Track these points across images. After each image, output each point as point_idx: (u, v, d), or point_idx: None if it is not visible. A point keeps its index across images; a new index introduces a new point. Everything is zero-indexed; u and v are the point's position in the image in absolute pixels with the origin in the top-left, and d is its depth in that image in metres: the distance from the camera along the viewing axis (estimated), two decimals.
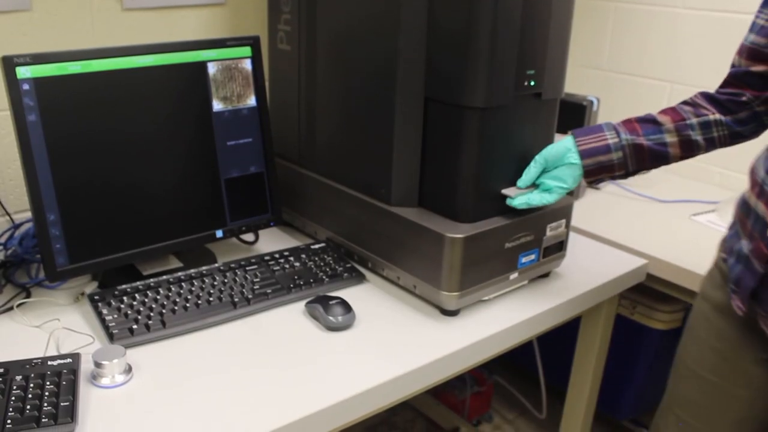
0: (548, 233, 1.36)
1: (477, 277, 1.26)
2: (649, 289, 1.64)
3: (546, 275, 1.44)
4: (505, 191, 1.28)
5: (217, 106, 1.37)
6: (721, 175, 2.00)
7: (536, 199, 1.27)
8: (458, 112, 1.21)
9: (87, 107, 1.22)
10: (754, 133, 1.25)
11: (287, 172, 1.57)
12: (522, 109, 1.26)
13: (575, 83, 2.27)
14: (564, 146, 1.25)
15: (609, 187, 1.96)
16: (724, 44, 1.93)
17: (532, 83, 1.24)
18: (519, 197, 1.28)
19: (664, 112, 1.25)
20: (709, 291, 1.26)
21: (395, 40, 1.23)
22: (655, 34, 2.09)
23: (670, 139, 1.23)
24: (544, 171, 1.28)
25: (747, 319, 1.17)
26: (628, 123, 1.25)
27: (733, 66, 1.22)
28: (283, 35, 1.52)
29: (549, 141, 1.33)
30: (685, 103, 1.27)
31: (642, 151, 1.23)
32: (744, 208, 1.16)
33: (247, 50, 1.40)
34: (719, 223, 1.74)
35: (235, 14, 1.70)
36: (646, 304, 1.81)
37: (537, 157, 1.27)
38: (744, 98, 1.20)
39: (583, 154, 1.23)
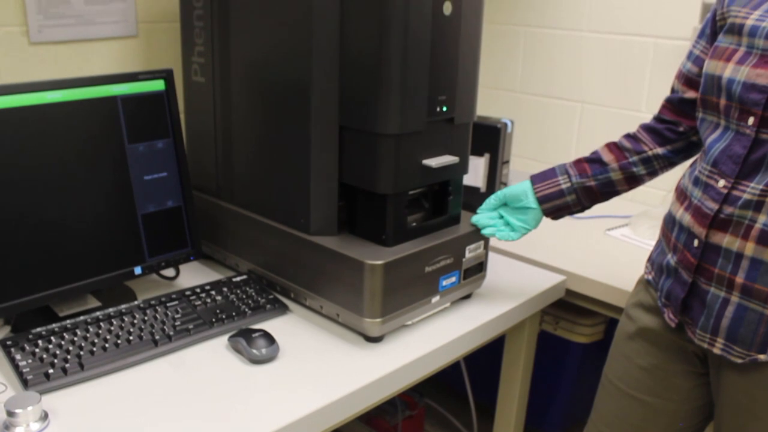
0: (467, 255, 1.38)
1: (399, 303, 1.27)
2: (570, 304, 1.69)
3: (468, 296, 1.47)
4: (426, 161, 1.28)
5: (130, 140, 1.35)
6: (632, 190, 2.08)
7: (503, 233, 1.37)
8: (372, 139, 1.22)
9: None
10: (689, 158, 1.33)
11: (206, 205, 1.55)
12: (435, 134, 1.28)
13: (489, 106, 2.32)
14: (521, 189, 1.37)
15: None
16: (628, 65, 2.02)
17: (444, 108, 1.27)
18: (488, 227, 1.38)
19: (609, 149, 1.34)
20: (633, 311, 1.30)
21: (308, 71, 1.24)
22: (564, 57, 2.16)
23: (615, 177, 1.33)
24: (504, 205, 1.39)
25: (672, 335, 1.21)
26: (578, 164, 1.35)
27: (672, 90, 1.30)
28: (197, 67, 1.51)
29: (464, 163, 1.37)
30: (627, 137, 1.35)
31: (591, 190, 1.34)
32: (669, 223, 1.22)
33: (160, 83, 1.38)
34: (633, 236, 1.81)
35: (148, 47, 1.68)
36: (568, 319, 1.86)
37: (498, 192, 1.39)
38: (681, 128, 1.28)
39: (541, 200, 1.35)
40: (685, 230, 1.15)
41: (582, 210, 1.37)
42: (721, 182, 1.08)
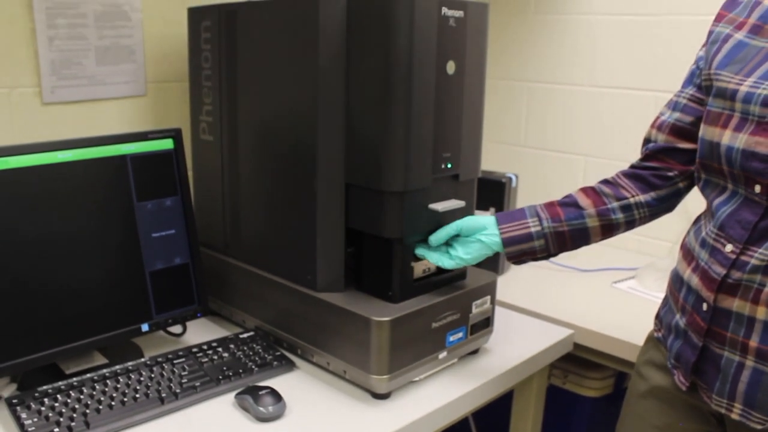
0: (474, 310, 1.38)
1: (406, 359, 1.27)
2: (579, 357, 1.67)
3: (475, 352, 1.46)
4: (432, 206, 1.28)
5: (139, 198, 1.37)
6: (638, 242, 2.08)
7: (434, 257, 1.29)
8: (378, 196, 1.24)
9: (5, 204, 1.20)
10: (670, 210, 1.28)
11: (213, 262, 1.56)
12: (440, 191, 1.30)
13: (494, 160, 2.34)
14: (483, 223, 1.27)
15: None
16: (629, 118, 2.05)
17: (449, 165, 1.28)
18: (420, 248, 1.30)
19: (585, 193, 1.27)
20: (644, 369, 1.27)
21: (314, 130, 1.26)
22: (567, 111, 2.19)
23: (591, 224, 1.25)
24: (458, 236, 1.30)
25: (686, 395, 1.18)
26: (550, 207, 1.27)
27: (650, 141, 1.26)
28: (206, 126, 1.53)
29: (470, 209, 1.37)
30: (605, 182, 1.28)
31: (563, 236, 1.25)
32: (676, 283, 1.18)
33: (168, 142, 1.41)
34: (640, 289, 1.80)
35: (157, 105, 1.71)
36: (577, 373, 1.84)
37: (455, 222, 1.29)
38: (671, 173, 1.23)
39: (506, 242, 1.25)
40: (693, 292, 1.12)
41: (547, 257, 1.28)
42: (729, 247, 1.05)
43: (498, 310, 1.63)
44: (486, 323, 1.43)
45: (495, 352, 1.48)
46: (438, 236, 1.30)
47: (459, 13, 1.23)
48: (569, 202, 1.27)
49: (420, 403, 1.27)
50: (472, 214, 1.38)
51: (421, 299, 1.30)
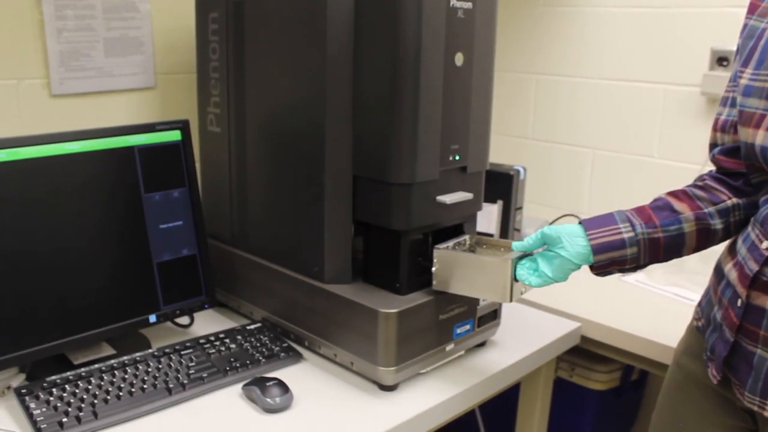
0: (481, 303, 1.38)
1: (413, 351, 1.27)
2: (586, 350, 1.67)
3: (482, 344, 1.46)
4: (440, 198, 1.27)
5: (147, 190, 1.37)
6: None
7: (522, 274, 1.19)
8: (386, 188, 1.24)
9: (13, 195, 1.21)
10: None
11: (220, 253, 1.57)
12: (448, 183, 1.29)
13: (502, 152, 2.34)
14: (568, 231, 1.14)
15: None
16: (639, 111, 2.04)
17: (457, 157, 1.28)
18: (520, 270, 1.19)
19: (677, 197, 1.16)
20: (682, 359, 1.24)
21: (322, 121, 1.26)
22: (575, 103, 2.18)
23: (688, 229, 1.13)
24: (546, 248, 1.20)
25: (719, 387, 1.15)
26: (641, 211, 1.15)
27: (716, 145, 1.18)
28: (213, 117, 1.54)
29: (477, 201, 1.37)
30: (695, 186, 1.18)
31: (657, 244, 1.13)
32: (718, 275, 1.15)
33: (176, 134, 1.41)
34: (648, 282, 1.80)
35: (165, 97, 1.71)
36: (584, 366, 1.84)
37: (541, 231, 1.18)
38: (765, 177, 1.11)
39: (596, 249, 1.12)
40: (730, 287, 1.08)
41: (634, 269, 1.16)
42: (765, 243, 1.01)
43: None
44: (493, 316, 1.43)
45: (502, 344, 1.48)
46: (522, 245, 1.21)
47: (468, 5, 1.22)
48: (662, 206, 1.15)
49: (427, 395, 1.27)
50: (480, 207, 1.38)
51: (428, 291, 1.30)
